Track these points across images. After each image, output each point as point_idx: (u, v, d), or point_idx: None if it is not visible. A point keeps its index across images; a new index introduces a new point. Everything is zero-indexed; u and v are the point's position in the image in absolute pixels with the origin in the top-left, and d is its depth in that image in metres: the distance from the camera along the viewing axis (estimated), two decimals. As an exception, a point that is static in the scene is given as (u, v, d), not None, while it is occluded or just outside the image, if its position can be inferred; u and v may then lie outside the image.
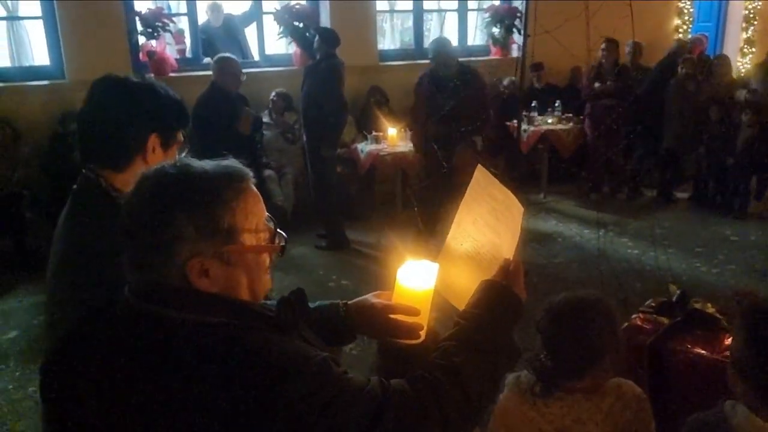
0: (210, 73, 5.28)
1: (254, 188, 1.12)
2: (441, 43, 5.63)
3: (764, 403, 1.57)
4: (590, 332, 1.79)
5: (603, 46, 6.50)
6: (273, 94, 6.28)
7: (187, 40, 6.50)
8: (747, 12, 9.75)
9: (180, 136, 1.59)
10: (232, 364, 0.98)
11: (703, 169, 6.57)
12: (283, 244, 1.17)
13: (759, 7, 9.73)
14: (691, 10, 9.23)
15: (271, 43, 6.80)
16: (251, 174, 1.13)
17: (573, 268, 5.13)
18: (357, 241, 5.73)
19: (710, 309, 2.79)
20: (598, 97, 6.70)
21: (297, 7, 6.43)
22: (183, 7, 6.39)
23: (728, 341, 2.78)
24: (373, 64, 7.05)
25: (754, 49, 9.72)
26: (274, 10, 6.50)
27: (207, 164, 1.09)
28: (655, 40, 7.63)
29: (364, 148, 6.13)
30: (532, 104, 7.07)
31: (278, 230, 1.16)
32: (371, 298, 1.38)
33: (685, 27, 9.20)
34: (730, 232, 5.85)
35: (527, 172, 7.35)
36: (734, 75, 8.51)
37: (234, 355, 0.99)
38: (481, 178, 1.46)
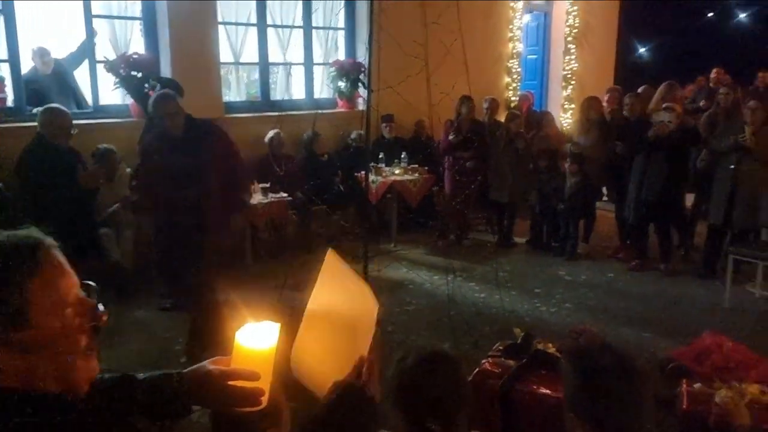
0: (36, 124, 4.84)
1: (58, 258, 0.97)
2: (163, 97, 4.97)
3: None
4: (440, 393, 1.77)
5: (460, 104, 6.92)
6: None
7: (9, 89, 5.92)
8: (565, 73, 10.89)
9: None
10: None
11: (537, 214, 7.07)
12: (104, 318, 1.02)
13: (575, 68, 10.91)
14: (519, 69, 10.12)
15: (106, 92, 6.39)
16: (51, 242, 0.97)
17: (425, 314, 5.22)
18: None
19: (551, 349, 2.94)
20: (454, 150, 7.03)
21: (134, 56, 6.13)
22: (3, 53, 5.83)
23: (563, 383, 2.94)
24: (219, 115, 6.88)
25: (573, 106, 10.83)
26: (105, 59, 6.12)
27: None
28: (490, 95, 8.19)
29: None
30: (380, 155, 7.27)
31: (98, 304, 1.01)
32: (208, 364, 1.26)
33: (514, 84, 10.04)
34: (564, 272, 6.31)
35: (377, 222, 7.51)
36: (559, 128, 9.43)
37: None
38: (332, 264, 1.41)
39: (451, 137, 7.01)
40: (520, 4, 9.92)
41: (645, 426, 1.65)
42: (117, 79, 6.06)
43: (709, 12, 21.72)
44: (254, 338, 1.22)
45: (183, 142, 4.76)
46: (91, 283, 1.03)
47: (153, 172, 4.88)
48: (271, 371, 1.24)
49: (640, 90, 7.18)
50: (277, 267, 5.94)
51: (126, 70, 6.02)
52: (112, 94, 6.36)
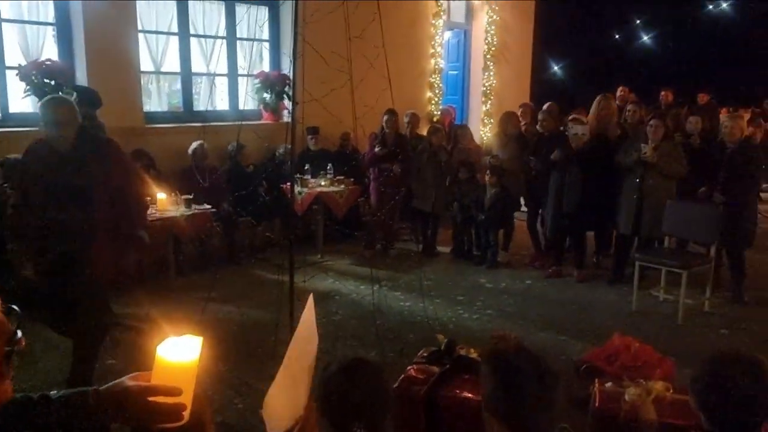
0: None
1: None
2: (53, 102, 3.89)
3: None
4: (363, 399, 1.81)
5: (385, 117, 7.04)
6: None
7: None
8: (484, 88, 11.28)
9: None
10: None
11: (459, 224, 7.28)
12: (22, 343, 0.99)
13: (494, 84, 11.32)
14: (441, 84, 10.40)
15: (16, 100, 6.10)
16: None
17: (352, 324, 5.26)
18: (124, 314, 5.25)
19: (473, 354, 3.05)
20: (379, 162, 7.15)
21: (48, 63, 5.89)
22: None
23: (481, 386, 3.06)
24: (139, 125, 6.71)
25: (492, 120, 11.22)
26: (18, 66, 5.86)
27: None
28: (412, 109, 8.36)
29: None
30: (306, 167, 7.28)
31: (17, 329, 0.98)
32: (127, 380, 1.23)
33: (436, 99, 10.31)
34: (485, 280, 6.53)
35: (303, 233, 7.51)
36: (478, 142, 9.74)
37: None
38: (309, 311, 1.44)
39: (376, 149, 7.13)
40: (441, 22, 10.21)
41: (557, 424, 1.76)
42: (28, 87, 5.80)
43: (616, 34, 23.05)
44: (176, 352, 1.20)
45: (70, 159, 3.85)
46: (14, 307, 1.01)
47: (32, 190, 4.03)
48: (193, 385, 1.23)
49: (545, 107, 7.46)
50: (202, 280, 5.85)
51: (38, 77, 5.77)
52: (22, 102, 6.08)
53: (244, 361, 4.42)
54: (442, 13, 10.20)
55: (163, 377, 1.20)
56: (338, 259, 7.11)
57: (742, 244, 5.80)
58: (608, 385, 3.34)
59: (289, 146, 6.74)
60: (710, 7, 20.28)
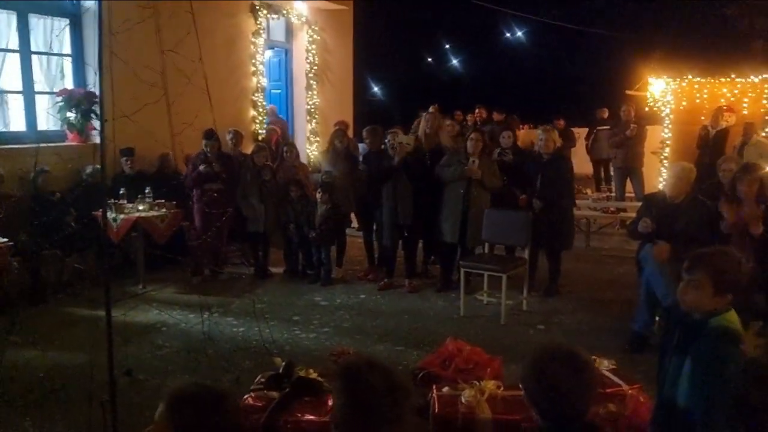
0: None
1: None
2: None
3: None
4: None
5: (204, 141, 6.73)
6: None
7: None
8: (309, 107, 11.31)
9: None
10: None
11: (291, 243, 7.16)
12: None
13: (318, 103, 11.40)
14: (264, 103, 10.24)
15: None
16: None
17: (181, 356, 4.91)
18: None
19: (313, 374, 2.96)
20: (203, 182, 6.78)
21: None
22: None
23: (332, 402, 2.99)
24: None
25: (318, 138, 11.28)
26: None
27: None
28: (235, 128, 8.11)
29: None
30: (121, 191, 6.72)
31: None
32: None
33: (260, 118, 10.13)
34: (321, 297, 6.47)
35: (121, 263, 6.93)
36: (305, 160, 9.73)
37: None
38: None
39: (201, 168, 6.80)
40: (261, 40, 10.08)
41: None
42: None
43: (429, 57, 24.59)
44: None
45: None
46: None
47: None
48: None
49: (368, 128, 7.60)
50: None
51: None
52: None
53: (53, 411, 3.92)
54: (261, 32, 10.08)
55: None
56: (163, 288, 6.65)
57: (561, 245, 6.35)
58: (445, 389, 3.43)
59: (98, 167, 6.21)
60: (508, 35, 22.45)
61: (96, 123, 7.32)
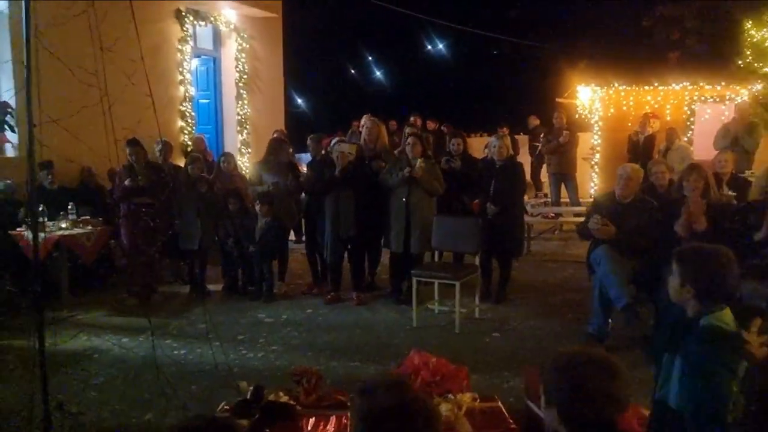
0: None
1: None
2: None
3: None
4: None
5: (128, 150, 6.28)
6: None
7: None
8: (239, 117, 10.94)
9: None
10: None
11: (229, 259, 6.80)
12: None
13: (248, 113, 11.04)
14: (193, 113, 9.80)
15: None
16: None
17: (118, 385, 4.49)
18: None
19: (284, 398, 2.71)
20: (131, 196, 6.32)
21: None
22: None
23: (307, 425, 2.75)
24: None
25: (249, 150, 10.91)
26: None
27: None
28: (163, 137, 7.68)
29: None
30: (41, 208, 6.17)
31: None
32: None
33: (189, 128, 9.68)
34: (265, 314, 6.15)
35: (45, 286, 6.35)
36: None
37: None
38: None
39: (126, 182, 6.35)
40: (188, 48, 9.66)
41: None
42: None
43: (352, 69, 24.62)
44: None
45: None
46: None
47: None
48: None
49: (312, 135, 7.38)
50: None
51: None
52: None
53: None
54: (188, 39, 9.66)
55: None
56: (92, 312, 6.14)
57: (513, 251, 6.32)
58: (418, 405, 3.25)
59: (8, 181, 5.71)
60: (429, 47, 22.78)
61: (10, 135, 6.76)
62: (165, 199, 6.45)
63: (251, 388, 2.75)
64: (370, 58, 24.58)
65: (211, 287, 6.95)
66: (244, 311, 6.26)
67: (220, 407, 2.82)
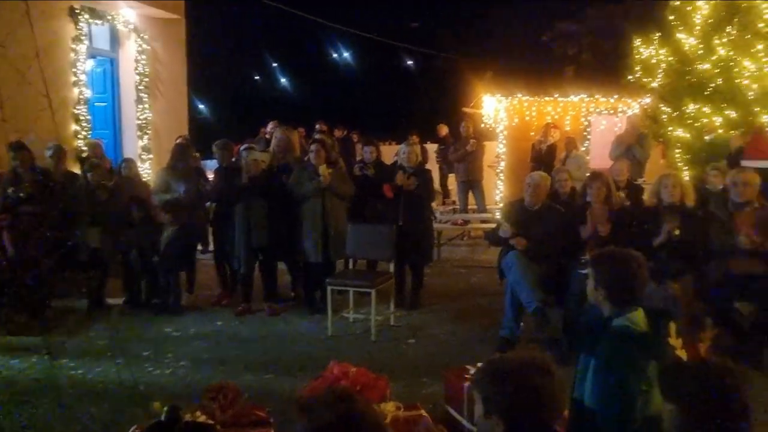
0: None
1: None
2: None
3: None
4: None
5: (12, 154, 5.79)
6: None
7: None
8: (140, 122, 10.40)
9: None
10: None
11: (131, 270, 6.43)
12: None
13: (150, 118, 10.52)
14: (88, 117, 9.21)
15: None
16: None
17: (8, 412, 4.09)
18: None
19: (201, 417, 2.55)
20: (15, 205, 5.82)
21: None
22: None
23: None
24: None
25: (151, 156, 10.40)
26: None
27: None
28: (55, 142, 7.15)
29: None
30: None
31: None
32: None
33: (84, 133, 9.09)
34: (172, 328, 5.84)
35: None
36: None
37: None
38: None
39: (10, 191, 5.86)
40: (83, 47, 9.09)
41: None
42: None
43: (256, 76, 24.24)
44: None
45: None
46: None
47: None
48: None
49: (219, 142, 7.11)
50: None
51: None
52: None
53: None
54: (83, 38, 9.09)
55: None
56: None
57: (423, 259, 6.37)
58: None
59: None
60: (335, 55, 22.84)
61: None
62: (60, 207, 6.00)
63: (165, 408, 2.57)
64: (275, 65, 24.29)
65: (111, 301, 6.54)
66: (149, 325, 5.93)
67: (131, 431, 2.61)
